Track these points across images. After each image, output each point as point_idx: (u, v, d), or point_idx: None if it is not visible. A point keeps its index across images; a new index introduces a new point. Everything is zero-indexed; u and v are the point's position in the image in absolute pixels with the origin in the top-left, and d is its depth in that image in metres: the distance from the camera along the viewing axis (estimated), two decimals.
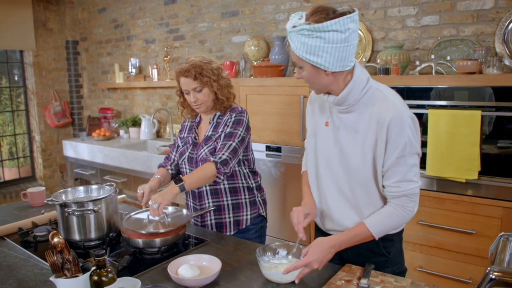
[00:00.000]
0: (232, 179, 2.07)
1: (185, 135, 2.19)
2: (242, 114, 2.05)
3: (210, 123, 2.09)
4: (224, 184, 2.05)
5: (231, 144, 1.94)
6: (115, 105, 5.44)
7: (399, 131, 1.38)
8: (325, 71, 1.39)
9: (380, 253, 1.56)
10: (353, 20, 1.33)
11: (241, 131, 1.99)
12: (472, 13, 2.72)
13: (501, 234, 1.15)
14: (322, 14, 1.32)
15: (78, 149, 4.76)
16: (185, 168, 2.12)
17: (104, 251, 1.20)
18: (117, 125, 5.07)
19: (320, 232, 1.73)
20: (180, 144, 2.18)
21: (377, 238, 1.46)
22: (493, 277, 0.93)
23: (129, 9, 4.94)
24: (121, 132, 5.01)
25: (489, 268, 0.95)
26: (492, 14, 2.65)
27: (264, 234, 2.22)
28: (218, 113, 2.08)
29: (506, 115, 2.22)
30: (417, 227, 2.51)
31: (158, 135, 4.89)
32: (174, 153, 2.21)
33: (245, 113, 2.07)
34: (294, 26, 1.35)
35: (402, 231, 1.62)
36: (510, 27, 2.57)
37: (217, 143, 2.00)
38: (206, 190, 2.06)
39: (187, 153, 2.11)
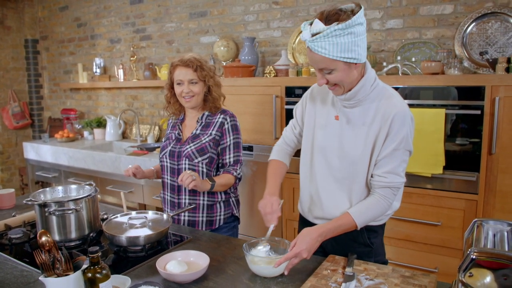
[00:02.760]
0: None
1: (169, 131, 2.24)
2: (235, 118, 2.16)
3: (198, 121, 2.14)
4: None
5: (240, 158, 2.16)
6: (78, 106, 5.30)
7: (400, 126, 1.48)
8: (356, 64, 1.45)
9: (365, 243, 1.64)
10: (363, 12, 1.42)
11: (241, 139, 2.18)
12: (433, 18, 2.87)
13: (475, 220, 1.25)
14: (340, 13, 1.39)
15: (40, 151, 4.60)
16: (166, 162, 2.15)
17: (97, 247, 1.20)
18: (80, 126, 4.95)
19: (303, 222, 1.79)
20: (163, 140, 2.23)
21: (359, 228, 1.54)
22: (474, 257, 1.02)
23: (93, 8, 4.85)
24: (85, 133, 4.89)
25: (469, 249, 1.03)
26: (451, 18, 2.82)
27: (236, 234, 2.26)
28: (207, 113, 2.14)
29: (467, 113, 2.37)
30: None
31: (124, 136, 4.82)
32: None
33: (236, 116, 2.17)
34: (315, 34, 1.38)
35: (384, 224, 1.71)
36: (468, 31, 2.74)
37: (225, 150, 2.11)
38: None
39: (169, 148, 2.15)
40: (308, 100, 1.74)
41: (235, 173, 2.10)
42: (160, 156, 2.18)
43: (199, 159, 2.06)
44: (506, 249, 1.08)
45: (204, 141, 2.08)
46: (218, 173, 2.14)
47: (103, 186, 4.06)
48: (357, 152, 1.55)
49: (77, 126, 5.00)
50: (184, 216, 2.12)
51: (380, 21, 3.06)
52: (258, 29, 3.62)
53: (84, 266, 1.23)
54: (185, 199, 2.10)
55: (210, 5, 3.89)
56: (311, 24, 1.41)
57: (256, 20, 3.62)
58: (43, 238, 1.31)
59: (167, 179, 2.15)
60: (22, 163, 5.40)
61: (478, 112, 2.33)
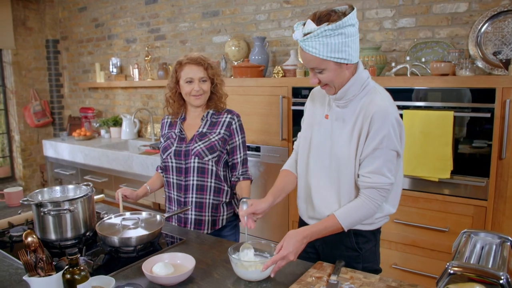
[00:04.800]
0: (219, 180, 2.11)
1: (166, 131, 2.22)
2: (240, 118, 2.19)
3: (202, 119, 2.14)
4: (211, 182, 2.09)
5: (247, 157, 2.21)
6: (96, 105, 5.40)
7: (380, 124, 1.45)
8: (347, 64, 1.46)
9: (352, 247, 1.61)
10: (355, 14, 1.43)
11: (246, 138, 2.22)
12: (447, 16, 2.78)
13: (464, 230, 1.20)
14: (332, 14, 1.40)
15: (58, 149, 4.71)
16: (171, 162, 2.13)
17: (76, 249, 1.21)
18: (98, 124, 5.03)
19: (301, 222, 1.80)
20: (163, 141, 2.20)
21: (346, 230, 1.51)
22: (452, 271, 0.97)
23: (110, 8, 4.92)
24: (102, 132, 4.98)
25: (448, 263, 0.99)
26: (466, 17, 2.72)
27: (238, 232, 2.27)
28: (211, 111, 2.15)
29: (477, 116, 2.28)
30: (392, 226, 2.56)
31: (139, 135, 4.88)
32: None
33: (240, 116, 2.20)
34: (307, 34, 1.41)
35: (378, 231, 1.66)
36: (483, 30, 2.64)
37: (235, 149, 2.15)
38: (193, 184, 2.09)
39: (173, 148, 2.12)
40: (308, 102, 1.77)
41: (251, 177, 2.19)
42: (164, 157, 2.15)
43: (209, 157, 2.06)
44: (491, 263, 1.03)
45: (213, 139, 2.08)
46: (225, 170, 2.14)
47: (117, 184, 4.12)
48: (344, 151, 1.55)
49: (95, 124, 5.10)
50: (191, 215, 2.12)
51: (391, 19, 2.99)
52: (269, 29, 3.59)
53: (66, 267, 1.24)
54: (192, 197, 2.10)
55: (222, 4, 3.89)
56: (304, 24, 1.43)
57: (268, 20, 3.59)
58: (29, 239, 1.33)
59: (173, 178, 2.15)
60: (43, 161, 5.54)
61: (488, 115, 2.23)
